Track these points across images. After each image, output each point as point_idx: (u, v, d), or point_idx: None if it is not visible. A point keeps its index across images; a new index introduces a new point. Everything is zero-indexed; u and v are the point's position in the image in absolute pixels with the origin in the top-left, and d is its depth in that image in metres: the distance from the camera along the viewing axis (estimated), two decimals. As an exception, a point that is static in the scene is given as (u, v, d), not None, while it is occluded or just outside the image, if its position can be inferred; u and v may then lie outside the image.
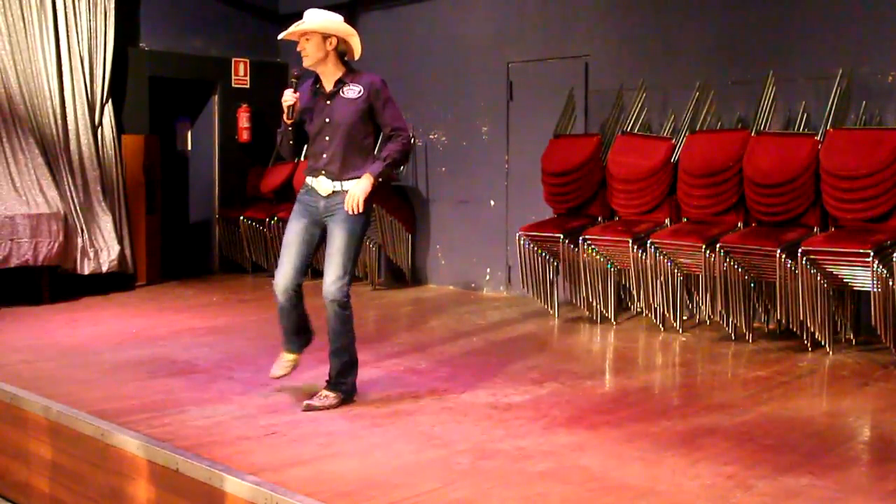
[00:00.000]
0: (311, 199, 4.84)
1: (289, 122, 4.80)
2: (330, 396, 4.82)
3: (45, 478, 4.76)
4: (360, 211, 4.70)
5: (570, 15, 8.26)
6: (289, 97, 4.76)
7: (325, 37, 4.75)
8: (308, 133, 4.88)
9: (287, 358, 5.02)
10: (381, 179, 4.74)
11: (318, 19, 4.75)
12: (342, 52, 4.83)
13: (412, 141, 4.79)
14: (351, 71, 4.85)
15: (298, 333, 4.96)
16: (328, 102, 4.80)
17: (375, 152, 4.90)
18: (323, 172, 4.79)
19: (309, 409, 4.75)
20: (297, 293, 4.82)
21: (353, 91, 4.78)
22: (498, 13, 8.79)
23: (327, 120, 4.78)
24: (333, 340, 4.79)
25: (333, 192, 4.77)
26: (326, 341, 4.92)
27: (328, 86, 4.82)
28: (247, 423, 4.55)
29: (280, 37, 4.91)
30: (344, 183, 4.76)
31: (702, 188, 6.85)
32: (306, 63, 4.80)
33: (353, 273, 4.81)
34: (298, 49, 4.81)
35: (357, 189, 4.69)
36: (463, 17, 9.03)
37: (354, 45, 4.84)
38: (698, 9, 7.51)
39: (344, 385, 4.87)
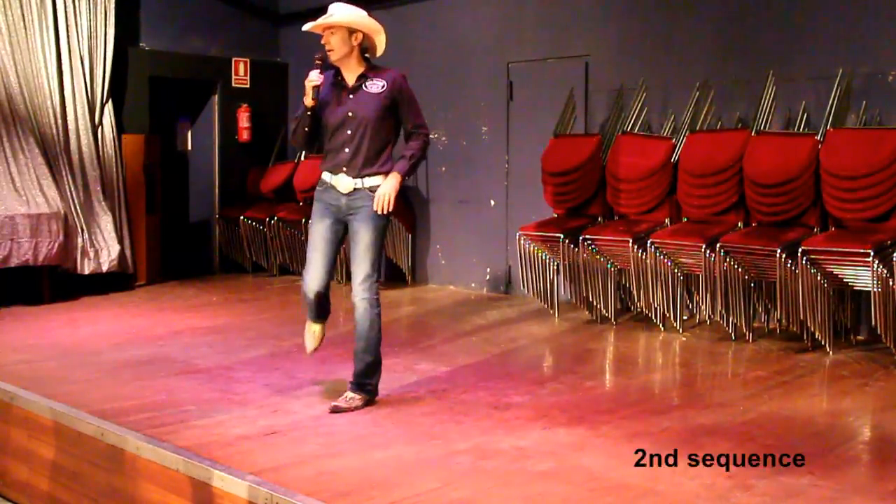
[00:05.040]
0: (331, 196, 4.75)
1: (311, 104, 4.70)
2: (356, 398, 4.79)
3: (46, 478, 4.76)
4: (390, 210, 4.68)
5: (570, 15, 8.26)
6: (314, 77, 4.68)
7: (351, 32, 4.70)
8: (326, 127, 4.77)
9: (314, 328, 4.95)
10: (407, 178, 4.73)
11: (345, 13, 4.69)
12: (364, 48, 4.79)
13: (429, 139, 4.78)
14: (373, 67, 4.81)
15: (324, 311, 4.93)
16: (351, 96, 4.72)
17: (395, 150, 4.85)
18: (343, 169, 4.71)
19: (335, 410, 4.71)
20: (326, 292, 4.81)
21: (376, 85, 4.73)
22: (498, 13, 8.79)
23: (350, 114, 4.70)
24: (361, 339, 4.75)
25: (354, 189, 4.70)
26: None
27: (350, 80, 4.75)
28: (247, 423, 4.55)
29: (305, 28, 4.78)
30: (364, 180, 4.69)
31: (702, 188, 6.85)
32: (332, 57, 4.71)
33: (381, 271, 4.78)
34: (323, 42, 4.72)
35: (387, 188, 4.65)
36: (463, 17, 9.03)
37: (379, 43, 4.82)
38: (698, 9, 7.51)
39: (369, 386, 4.84)
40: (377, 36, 4.80)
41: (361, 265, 4.71)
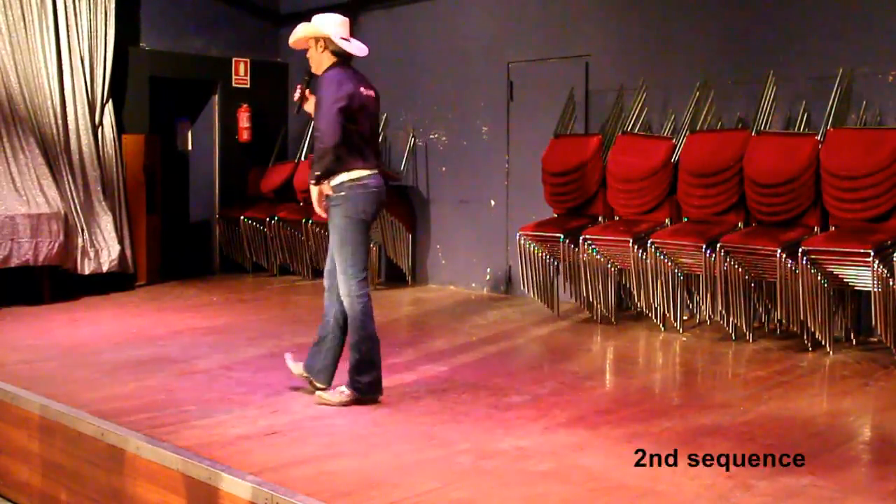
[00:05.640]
0: None
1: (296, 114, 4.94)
2: (345, 393, 4.83)
3: (46, 478, 4.76)
4: (325, 216, 4.81)
5: (570, 15, 8.26)
6: (297, 94, 4.90)
7: (316, 41, 4.79)
8: None
9: (299, 369, 5.03)
10: (314, 183, 4.76)
11: (299, 27, 4.81)
12: (338, 53, 4.80)
13: (322, 141, 4.64)
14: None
15: (323, 357, 4.95)
16: None
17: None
18: None
19: (319, 402, 4.80)
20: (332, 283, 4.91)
21: None
22: (498, 13, 8.79)
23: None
24: (350, 333, 4.85)
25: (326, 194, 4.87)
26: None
27: None
28: (247, 423, 4.55)
29: (295, 47, 4.94)
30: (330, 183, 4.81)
31: (702, 188, 6.85)
32: (313, 70, 4.87)
33: (361, 268, 4.80)
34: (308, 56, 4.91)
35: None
36: (463, 17, 9.03)
37: (339, 44, 4.78)
38: (698, 9, 7.51)
39: (358, 383, 4.83)
40: (327, 33, 4.75)
41: (335, 262, 4.86)
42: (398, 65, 9.41)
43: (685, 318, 6.94)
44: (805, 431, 4.47)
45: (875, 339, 6.20)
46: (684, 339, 6.65)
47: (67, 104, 8.75)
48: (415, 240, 9.35)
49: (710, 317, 6.79)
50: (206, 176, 10.41)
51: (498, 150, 8.73)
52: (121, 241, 8.89)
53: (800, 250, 5.96)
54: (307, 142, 9.97)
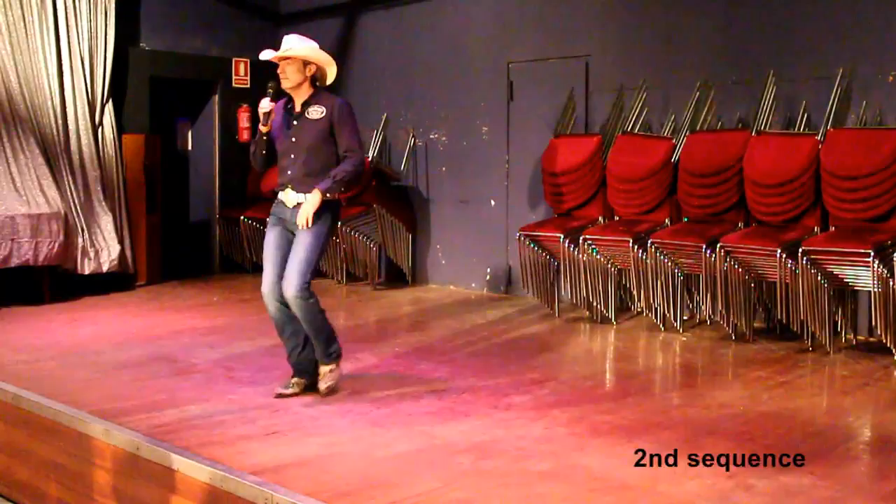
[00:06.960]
0: (281, 210, 5.08)
1: (264, 129, 5.03)
2: (334, 368, 5.08)
3: (46, 477, 4.77)
4: (311, 225, 4.89)
5: (570, 15, 8.26)
6: (266, 105, 5.02)
7: (306, 63, 5.01)
8: (277, 150, 5.10)
9: (293, 380, 5.13)
10: (328, 196, 4.95)
11: (302, 46, 5.00)
12: (315, 77, 5.09)
13: (363, 162, 5.19)
14: (318, 93, 5.09)
15: (299, 351, 5.09)
16: (295, 123, 5.06)
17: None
18: (289, 186, 5.03)
19: (330, 392, 5.03)
20: (284, 298, 4.94)
21: (317, 112, 5.04)
22: (498, 13, 8.79)
23: (293, 139, 5.05)
24: (308, 329, 5.00)
25: (298, 203, 5.00)
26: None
27: (297, 107, 5.06)
28: (247, 423, 4.55)
29: (264, 57, 5.04)
30: (307, 195, 4.97)
31: (702, 188, 6.86)
32: (285, 85, 5.03)
33: (314, 270, 5.00)
34: (279, 71, 5.01)
35: (307, 206, 4.91)
36: (463, 17, 9.03)
37: (330, 74, 5.13)
38: (699, 9, 7.51)
39: (334, 353, 5.08)
40: (329, 67, 5.10)
41: (292, 268, 4.92)
42: (398, 65, 9.41)
43: (685, 318, 6.94)
44: (805, 431, 4.47)
45: (875, 339, 6.20)
46: (684, 339, 6.66)
47: (67, 104, 8.75)
48: (415, 240, 9.35)
49: (710, 317, 6.79)
50: (206, 176, 10.40)
51: (498, 150, 8.73)
52: (121, 241, 8.89)
53: (800, 250, 5.96)
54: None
